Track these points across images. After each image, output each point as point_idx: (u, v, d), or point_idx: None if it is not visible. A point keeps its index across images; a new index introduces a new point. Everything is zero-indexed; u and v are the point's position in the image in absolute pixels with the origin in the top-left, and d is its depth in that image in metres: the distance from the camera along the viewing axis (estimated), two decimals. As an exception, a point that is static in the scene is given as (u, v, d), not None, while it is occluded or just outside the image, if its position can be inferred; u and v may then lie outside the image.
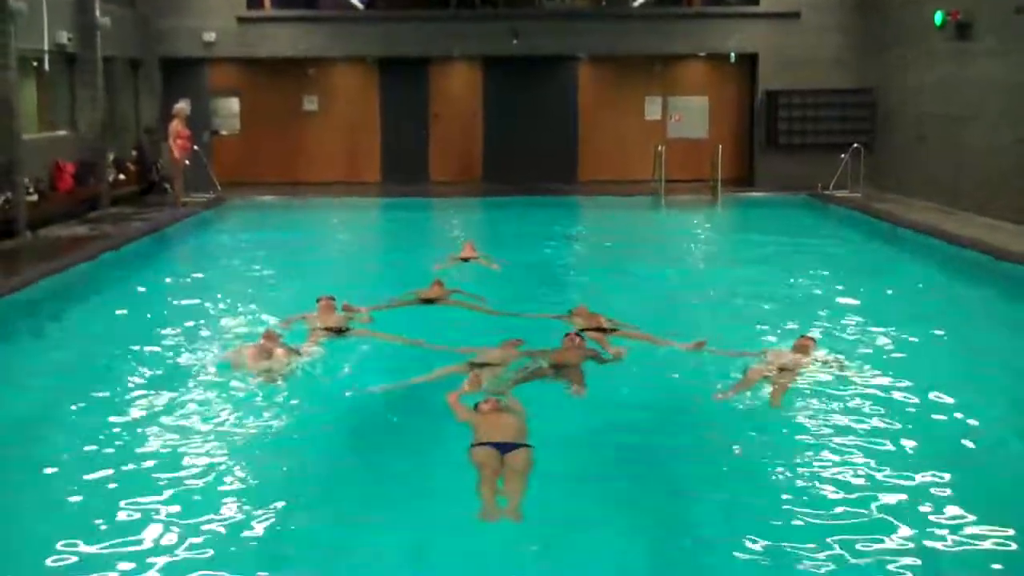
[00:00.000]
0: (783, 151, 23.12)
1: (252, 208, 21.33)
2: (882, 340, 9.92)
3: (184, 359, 9.29)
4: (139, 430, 7.39)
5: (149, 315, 11.31)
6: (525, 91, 24.58)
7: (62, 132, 18.93)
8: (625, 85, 24.91)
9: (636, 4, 23.74)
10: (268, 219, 20.16)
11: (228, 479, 6.54)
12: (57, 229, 16.47)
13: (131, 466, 6.73)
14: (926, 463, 6.76)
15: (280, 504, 6.21)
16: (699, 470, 6.81)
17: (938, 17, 18.69)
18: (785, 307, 11.51)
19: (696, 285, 13.22)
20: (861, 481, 6.46)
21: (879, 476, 6.53)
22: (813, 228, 18.66)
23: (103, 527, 5.86)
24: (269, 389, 8.26)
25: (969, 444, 7.21)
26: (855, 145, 21.40)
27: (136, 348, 9.74)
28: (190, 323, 10.75)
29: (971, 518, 5.93)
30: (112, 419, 7.63)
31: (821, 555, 5.50)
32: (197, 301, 11.98)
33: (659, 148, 22.14)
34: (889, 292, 12.65)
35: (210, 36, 23.18)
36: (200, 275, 14.07)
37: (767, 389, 8.14)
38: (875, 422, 7.52)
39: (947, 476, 6.52)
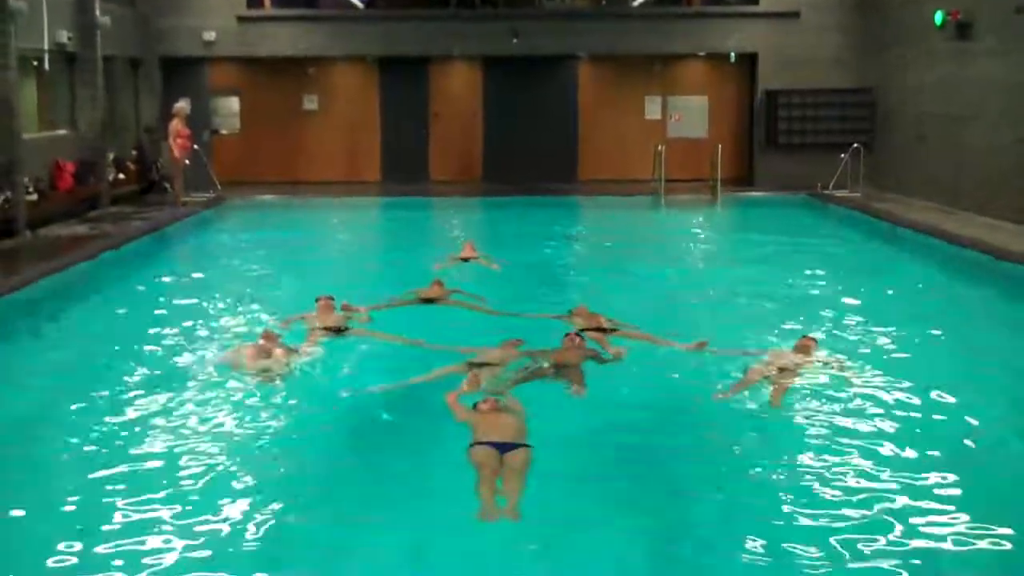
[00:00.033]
0: (783, 151, 23.12)
1: (252, 207, 21.34)
2: (882, 340, 9.92)
3: (183, 359, 9.28)
4: (138, 430, 7.39)
5: (149, 315, 11.30)
6: (525, 91, 24.58)
7: (62, 131, 18.93)
8: (625, 85, 24.91)
9: (636, 4, 23.74)
10: (268, 218, 20.16)
11: (226, 479, 6.53)
12: (57, 228, 16.47)
13: (130, 466, 6.72)
14: (927, 464, 6.77)
15: (279, 504, 6.21)
16: (699, 470, 6.81)
17: (938, 17, 18.69)
18: (785, 307, 11.50)
19: (696, 285, 13.22)
20: (861, 481, 6.45)
21: (879, 477, 6.52)
22: (813, 228, 18.66)
23: (102, 527, 5.86)
24: (268, 389, 8.26)
25: (969, 444, 7.21)
26: (855, 145, 21.40)
27: (135, 347, 9.75)
28: (189, 323, 10.74)
29: (972, 518, 5.92)
30: (111, 419, 7.63)
31: (821, 556, 5.50)
32: (197, 301, 11.98)
33: (659, 148, 22.15)
34: (889, 292, 12.65)
35: (210, 35, 23.18)
36: (200, 275, 14.07)
37: (768, 389, 8.13)
38: (875, 422, 7.52)
39: (947, 477, 6.52)
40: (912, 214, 17.94)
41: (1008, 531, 5.78)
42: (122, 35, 20.92)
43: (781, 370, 8.45)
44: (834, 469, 6.65)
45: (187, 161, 20.39)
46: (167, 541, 5.67)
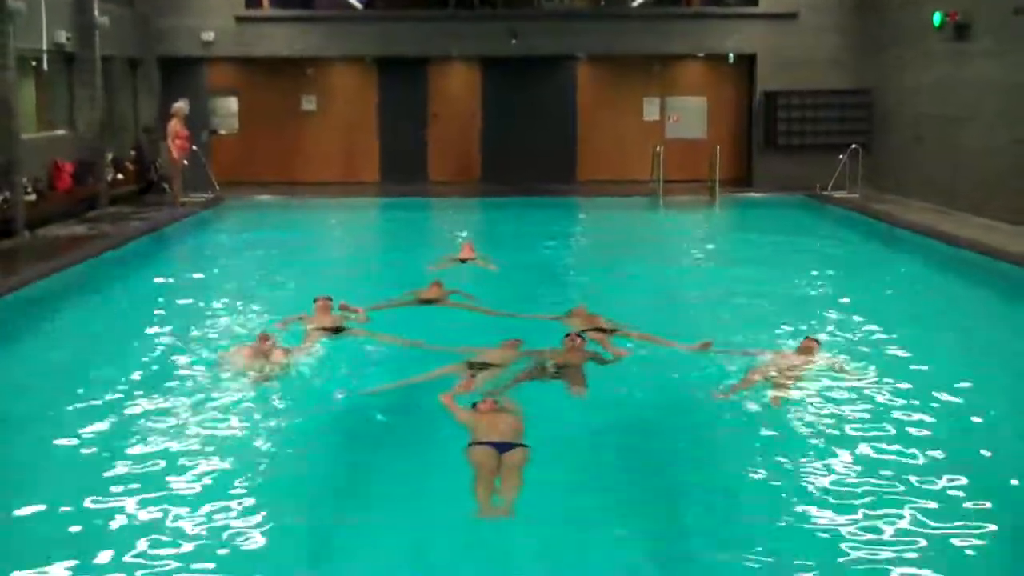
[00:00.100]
0: (781, 152, 23.15)
1: (250, 208, 21.33)
2: (881, 341, 9.93)
3: (181, 359, 9.28)
4: (135, 430, 7.39)
5: (147, 315, 11.29)
6: (523, 91, 24.59)
7: (61, 131, 18.93)
8: (623, 85, 24.93)
9: (635, 4, 23.76)
10: (266, 219, 20.15)
11: (223, 480, 6.53)
12: (55, 229, 16.47)
13: (128, 467, 6.72)
14: (928, 464, 6.78)
15: (276, 505, 6.21)
16: (699, 471, 6.80)
17: (936, 18, 18.71)
18: (783, 308, 11.51)
19: (694, 285, 13.23)
20: (863, 482, 6.45)
21: (880, 477, 6.51)
22: (811, 228, 18.66)
23: (101, 528, 5.88)
24: (264, 390, 8.26)
25: (971, 445, 7.21)
26: (853, 146, 21.42)
27: (133, 348, 9.76)
28: (187, 323, 10.75)
29: (974, 519, 5.93)
30: (109, 419, 7.63)
31: (822, 556, 5.51)
32: (195, 301, 11.99)
33: (657, 148, 22.15)
34: (887, 292, 12.67)
35: (208, 36, 23.19)
36: (198, 275, 14.07)
37: (769, 390, 8.14)
38: (877, 424, 7.51)
39: (949, 477, 6.53)
40: (910, 215, 17.97)
41: (1011, 531, 5.80)
42: (121, 35, 20.92)
43: (783, 371, 8.46)
44: (835, 470, 6.66)
45: (185, 161, 20.39)
46: (166, 541, 5.67)
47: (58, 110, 19.08)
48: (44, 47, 17.47)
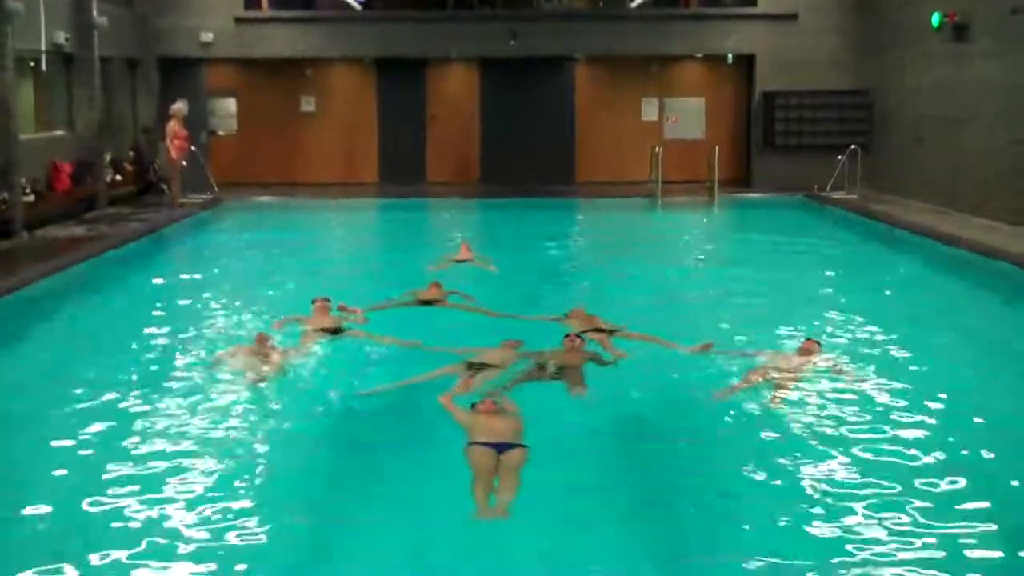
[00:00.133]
0: (780, 152, 23.15)
1: (249, 209, 21.32)
2: (881, 341, 9.92)
3: (179, 361, 9.27)
4: (133, 432, 7.37)
5: (145, 316, 11.27)
6: (522, 92, 24.59)
7: (59, 132, 18.92)
8: (622, 86, 24.93)
9: (633, 5, 23.76)
10: (265, 220, 20.13)
11: (221, 480, 6.51)
12: (54, 229, 16.46)
13: (126, 468, 6.70)
14: (928, 465, 6.76)
15: (274, 505, 6.21)
16: (700, 472, 6.78)
17: (935, 19, 18.71)
18: (783, 308, 11.51)
19: (694, 286, 13.23)
20: (863, 483, 6.43)
21: (880, 478, 6.49)
22: (810, 229, 18.67)
23: (99, 529, 5.87)
24: (262, 390, 8.25)
25: (971, 446, 7.19)
26: (852, 146, 21.41)
27: (132, 349, 9.75)
28: (186, 324, 10.73)
29: (974, 520, 5.92)
30: (107, 420, 7.62)
31: (823, 557, 5.49)
32: (193, 302, 11.98)
33: (656, 149, 22.15)
34: (886, 293, 12.66)
35: (207, 36, 23.18)
36: (197, 276, 14.05)
37: (769, 391, 8.13)
38: (877, 425, 7.49)
39: (949, 478, 6.52)
40: (909, 215, 17.97)
41: (1012, 532, 5.78)
42: (119, 36, 20.91)
43: (783, 372, 8.45)
44: (835, 471, 6.64)
45: (184, 162, 20.38)
46: (164, 541, 5.66)
47: (57, 111, 19.07)
48: (43, 47, 17.46)
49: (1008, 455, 7.03)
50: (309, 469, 6.90)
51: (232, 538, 5.74)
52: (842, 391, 8.24)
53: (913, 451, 7.00)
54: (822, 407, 7.87)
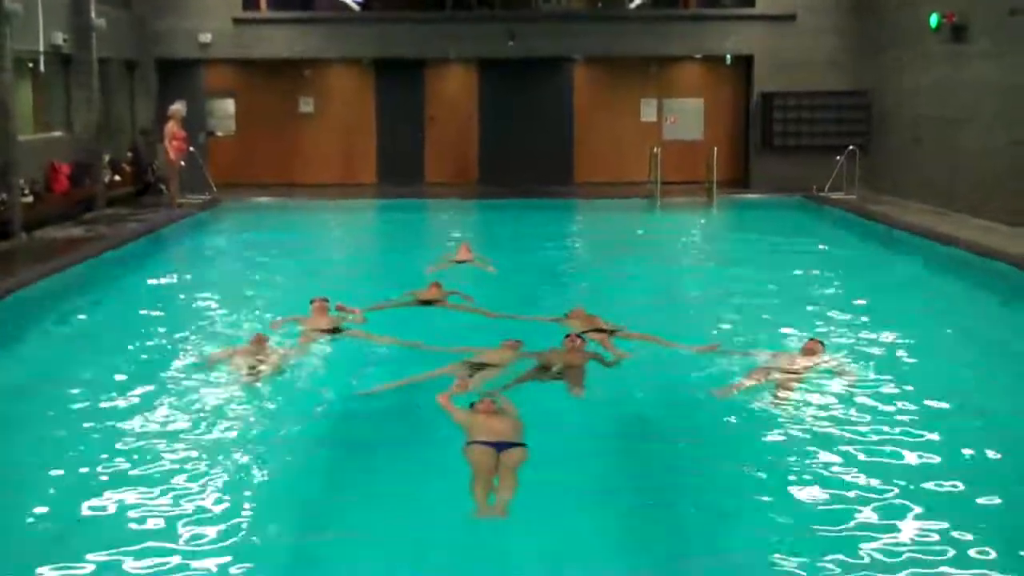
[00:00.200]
0: (778, 153, 23.15)
1: (248, 209, 21.31)
2: (880, 342, 9.91)
3: (177, 361, 9.25)
4: (130, 433, 7.36)
5: (144, 317, 11.27)
6: (521, 93, 24.58)
7: (58, 133, 18.90)
8: (621, 87, 24.93)
9: (632, 6, 23.76)
10: (264, 220, 20.13)
11: (218, 480, 6.50)
12: (52, 230, 16.45)
13: (124, 468, 6.69)
14: (928, 466, 6.76)
15: (273, 505, 6.21)
16: (701, 472, 6.77)
17: (933, 19, 18.72)
18: (782, 308, 11.51)
19: (693, 286, 13.24)
20: (864, 483, 6.43)
21: (882, 479, 6.48)
22: (809, 230, 18.69)
23: (97, 529, 5.86)
24: (260, 391, 8.24)
25: (971, 446, 7.18)
26: (851, 147, 21.42)
27: (130, 350, 9.74)
28: (184, 325, 10.74)
29: (975, 520, 5.91)
30: (105, 420, 7.60)
31: (824, 558, 5.48)
32: (192, 303, 11.99)
33: (655, 150, 22.15)
34: (885, 294, 12.64)
35: (206, 37, 23.17)
36: (195, 276, 14.06)
37: (772, 391, 8.12)
38: (878, 425, 7.47)
39: (949, 478, 6.51)
40: (908, 216, 17.97)
41: (1013, 532, 5.78)
42: (118, 37, 20.91)
43: (786, 372, 8.45)
44: (837, 471, 6.63)
45: (183, 163, 20.37)
46: (162, 541, 5.65)
47: (55, 112, 19.06)
48: (41, 49, 17.44)
49: (1008, 455, 7.03)
50: (308, 469, 6.89)
51: (231, 538, 5.73)
52: (843, 391, 8.23)
53: (913, 451, 7.00)
54: (823, 407, 7.86)
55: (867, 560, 5.46)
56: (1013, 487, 6.48)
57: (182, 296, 12.36)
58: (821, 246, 16.57)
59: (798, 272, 13.78)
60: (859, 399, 8.08)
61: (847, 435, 7.28)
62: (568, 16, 24.63)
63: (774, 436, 7.35)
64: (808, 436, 7.30)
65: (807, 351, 8.92)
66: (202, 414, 7.71)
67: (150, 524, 5.86)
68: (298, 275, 13.70)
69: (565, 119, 24.74)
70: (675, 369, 9.03)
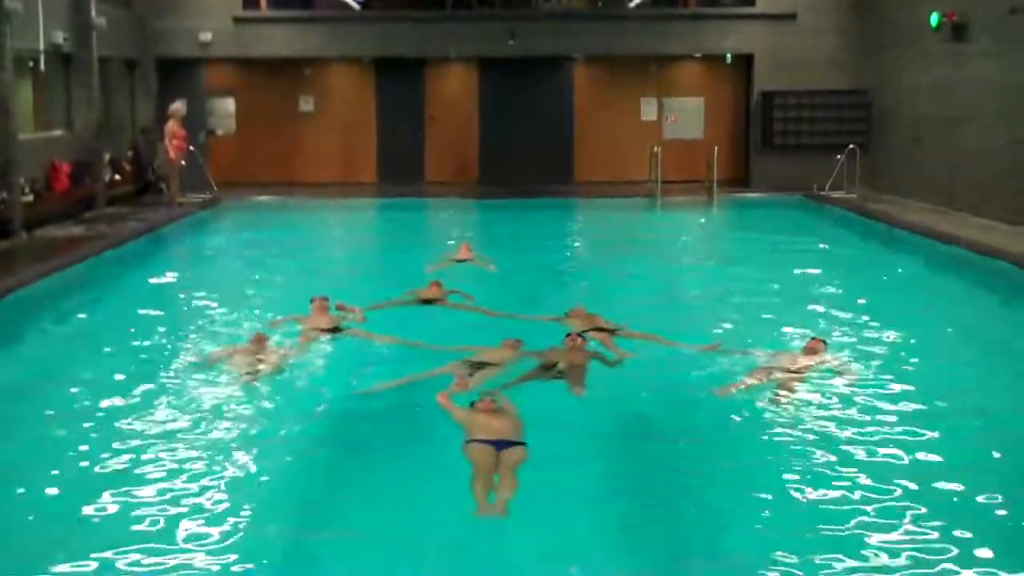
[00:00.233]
0: (779, 152, 23.15)
1: (248, 208, 21.31)
2: (881, 341, 9.91)
3: (176, 360, 9.24)
4: (130, 432, 7.35)
5: (144, 316, 11.27)
6: (521, 92, 24.58)
7: (58, 132, 18.90)
8: (621, 86, 24.92)
9: (632, 5, 23.75)
10: (264, 219, 20.14)
11: (216, 480, 6.50)
12: (53, 229, 16.44)
13: (123, 467, 6.70)
14: (930, 465, 6.76)
15: (271, 504, 6.21)
16: (701, 471, 6.76)
17: (934, 18, 18.71)
18: (782, 307, 11.51)
19: (694, 285, 13.24)
20: (868, 483, 6.42)
21: (883, 478, 6.48)
22: (809, 229, 18.69)
23: (97, 528, 5.86)
24: (259, 390, 8.24)
25: (972, 445, 7.20)
26: (851, 146, 21.40)
27: (130, 349, 9.75)
28: (184, 324, 10.75)
29: (976, 519, 5.92)
30: (104, 421, 7.60)
31: (825, 559, 5.48)
32: (192, 302, 11.98)
33: (655, 149, 22.14)
34: (887, 292, 12.66)
35: (206, 36, 23.16)
36: (195, 276, 14.06)
37: (774, 390, 8.11)
38: (878, 425, 7.47)
39: (950, 477, 6.50)
40: (908, 215, 17.97)
41: (1014, 532, 5.79)
42: (118, 36, 20.90)
43: (788, 371, 8.44)
44: (840, 472, 6.61)
45: (183, 162, 20.37)
46: (160, 541, 5.65)
47: (55, 111, 19.05)
48: (41, 47, 17.44)
49: (1008, 454, 7.03)
50: (307, 468, 6.89)
51: (230, 537, 5.72)
52: (844, 390, 8.22)
53: (913, 451, 6.99)
54: (825, 407, 7.86)
55: (868, 560, 5.46)
56: (1013, 487, 6.47)
57: (182, 295, 12.35)
58: (822, 245, 16.58)
59: (798, 271, 13.78)
60: (860, 398, 8.07)
61: (848, 434, 7.28)
62: (568, 15, 24.63)
63: (775, 436, 7.33)
64: (809, 436, 7.29)
65: (809, 350, 8.92)
66: (202, 413, 7.71)
67: (150, 523, 5.85)
68: (298, 274, 13.70)
69: (565, 118, 24.73)
70: (676, 368, 9.02)
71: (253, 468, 6.77)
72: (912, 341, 9.93)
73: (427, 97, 24.80)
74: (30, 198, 16.31)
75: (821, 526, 5.85)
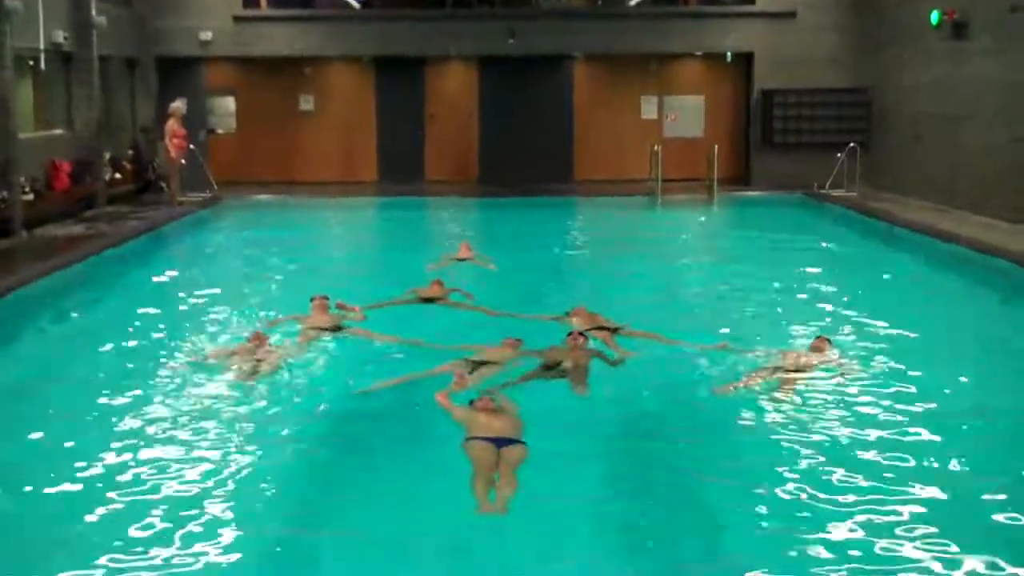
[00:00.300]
0: (779, 150, 23.14)
1: (248, 207, 21.32)
2: (881, 339, 9.90)
3: (176, 359, 9.23)
4: (129, 431, 7.36)
5: (143, 315, 11.27)
6: (521, 91, 24.57)
7: (58, 131, 18.90)
8: (621, 84, 24.91)
9: (632, 3, 23.75)
10: (264, 218, 20.14)
11: (215, 479, 6.50)
12: (53, 228, 16.45)
13: (123, 466, 6.70)
14: (931, 464, 6.75)
15: (271, 503, 6.22)
16: (702, 472, 6.75)
17: (934, 16, 18.71)
18: (782, 306, 11.51)
19: (694, 284, 13.25)
20: (868, 483, 6.42)
21: (884, 478, 6.48)
22: (809, 227, 18.68)
23: (97, 528, 5.86)
24: (258, 389, 8.24)
25: (973, 445, 7.20)
26: (851, 144, 21.39)
27: (130, 348, 9.76)
28: (184, 323, 10.75)
29: (977, 519, 5.93)
30: (104, 420, 7.61)
31: (827, 559, 5.48)
32: (192, 300, 11.98)
33: (655, 147, 22.14)
34: (886, 291, 12.66)
35: (206, 35, 23.16)
36: (195, 275, 14.05)
37: (777, 389, 8.11)
38: (881, 424, 7.47)
39: (951, 477, 6.52)
40: (908, 213, 17.96)
41: (1014, 531, 5.79)
42: (118, 35, 20.90)
43: (792, 370, 8.44)
44: (843, 472, 6.60)
45: (183, 161, 20.37)
46: (160, 540, 5.65)
47: (55, 110, 19.06)
48: (41, 46, 17.44)
49: (1008, 454, 7.04)
50: (307, 467, 6.90)
51: (229, 537, 5.73)
52: (845, 389, 8.22)
53: (914, 450, 6.98)
54: (825, 406, 7.84)
55: (868, 560, 5.46)
56: (1014, 486, 6.48)
57: (182, 294, 12.35)
58: (822, 243, 16.58)
59: (799, 269, 13.77)
60: (859, 397, 8.07)
61: (848, 433, 7.28)
62: (568, 13, 24.62)
63: (776, 435, 7.33)
64: (809, 435, 7.28)
65: (815, 348, 8.92)
66: (202, 412, 7.71)
67: (149, 523, 5.85)
68: (298, 273, 13.72)
69: (565, 117, 24.73)
70: (679, 368, 9.01)
71: (253, 467, 6.77)
72: (912, 339, 9.93)
73: (427, 96, 24.80)
74: (30, 197, 16.31)
75: (821, 526, 5.84)
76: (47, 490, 6.38)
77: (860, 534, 5.73)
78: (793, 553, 5.52)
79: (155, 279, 13.67)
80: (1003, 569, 5.37)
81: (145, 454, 6.89)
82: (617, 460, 7.03)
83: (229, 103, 24.78)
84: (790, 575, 5.36)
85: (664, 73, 25.03)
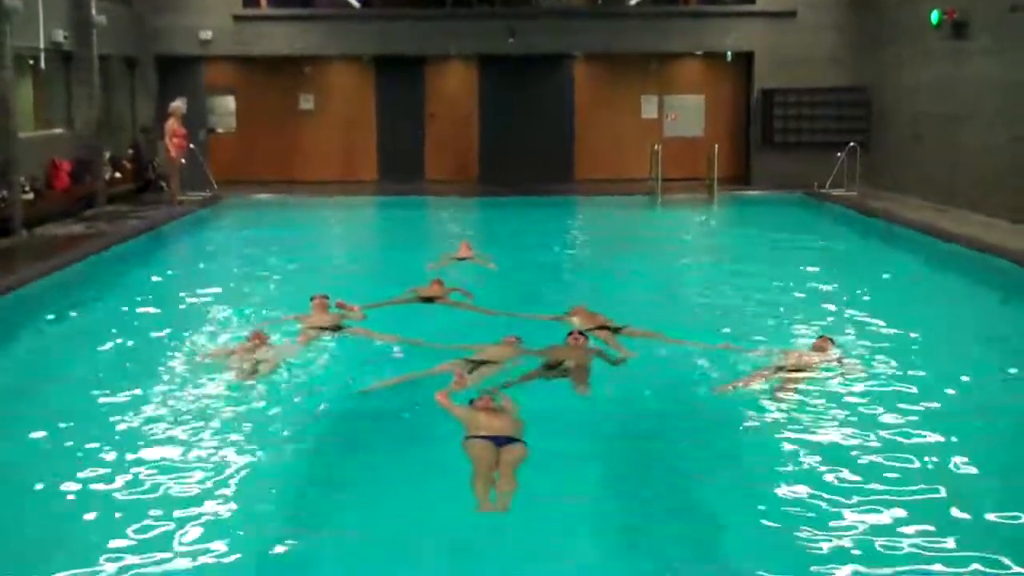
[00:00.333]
0: (779, 149, 23.14)
1: (248, 206, 21.31)
2: (880, 338, 9.89)
3: (177, 359, 9.23)
4: (129, 431, 7.35)
5: (143, 314, 11.28)
6: (521, 90, 24.57)
7: (58, 130, 18.90)
8: (621, 84, 24.91)
9: (632, 2, 23.75)
10: (264, 217, 20.14)
11: (215, 479, 6.50)
12: (53, 227, 16.45)
13: (122, 466, 6.69)
14: (931, 464, 6.74)
15: (270, 503, 6.21)
16: (705, 472, 6.75)
17: (934, 16, 18.71)
18: (782, 306, 11.50)
19: (694, 283, 13.24)
20: (869, 483, 6.41)
21: (887, 478, 6.48)
22: (809, 226, 18.69)
23: (97, 527, 5.86)
24: (257, 388, 8.23)
25: (973, 444, 7.18)
26: (851, 144, 21.40)
27: (130, 347, 9.76)
28: (184, 322, 10.73)
29: (978, 519, 5.93)
30: (104, 419, 7.59)
31: (827, 559, 5.49)
32: (192, 300, 11.97)
33: (655, 147, 22.13)
34: (886, 291, 12.66)
35: (206, 34, 23.17)
36: (195, 274, 14.06)
37: (779, 388, 8.11)
38: (881, 424, 7.46)
39: (951, 477, 6.51)
40: (908, 213, 17.96)
41: (1015, 530, 5.79)
42: (118, 34, 20.90)
43: (794, 369, 8.43)
44: (843, 471, 6.60)
45: (183, 160, 20.38)
46: (159, 540, 5.65)
47: (55, 109, 19.06)
48: (41, 45, 17.44)
49: (1008, 453, 7.04)
50: (306, 467, 6.89)
51: (229, 537, 5.72)
52: (844, 389, 8.22)
53: (915, 450, 6.98)
54: (825, 406, 7.83)
55: (869, 560, 5.45)
56: (1014, 485, 6.48)
57: (182, 293, 12.34)
58: (822, 243, 16.58)
59: (799, 269, 13.77)
60: (859, 397, 8.06)
61: (848, 433, 7.28)
62: (568, 13, 24.61)
63: (777, 435, 7.32)
64: (810, 435, 7.28)
65: (817, 348, 8.91)
66: (201, 412, 7.70)
67: (149, 523, 5.85)
68: (298, 272, 13.71)
69: (565, 116, 24.72)
70: (680, 367, 9.00)
71: (253, 467, 6.76)
72: (912, 339, 9.92)
73: (427, 95, 24.80)
74: (30, 196, 16.32)
75: (822, 526, 5.84)
76: (47, 490, 6.38)
77: (860, 534, 5.73)
78: (793, 553, 5.52)
79: (155, 278, 13.67)
80: (1003, 569, 5.37)
81: (145, 454, 6.89)
82: (617, 460, 7.02)
83: (229, 102, 24.78)
84: (790, 575, 5.35)
85: (664, 72, 25.03)
